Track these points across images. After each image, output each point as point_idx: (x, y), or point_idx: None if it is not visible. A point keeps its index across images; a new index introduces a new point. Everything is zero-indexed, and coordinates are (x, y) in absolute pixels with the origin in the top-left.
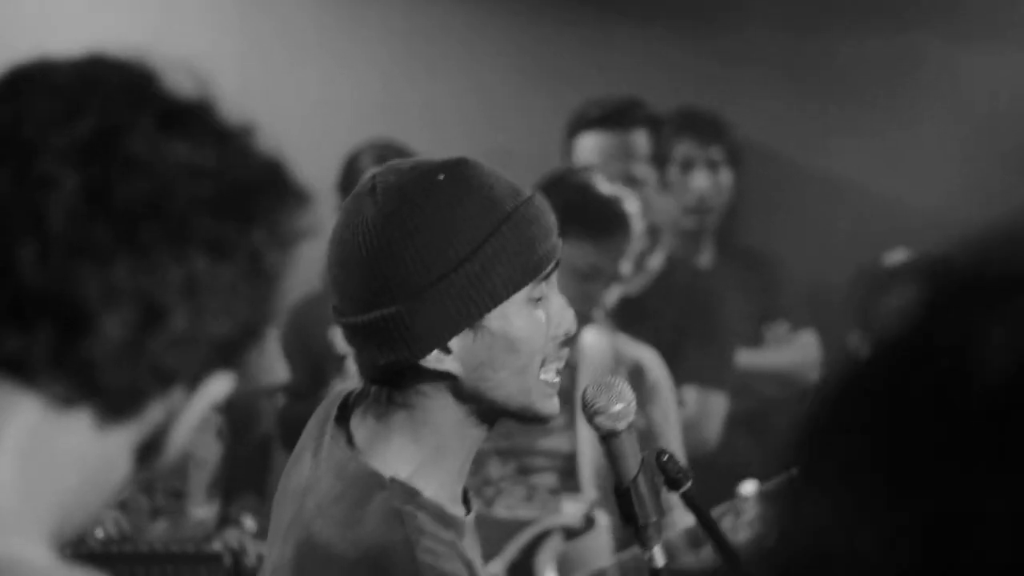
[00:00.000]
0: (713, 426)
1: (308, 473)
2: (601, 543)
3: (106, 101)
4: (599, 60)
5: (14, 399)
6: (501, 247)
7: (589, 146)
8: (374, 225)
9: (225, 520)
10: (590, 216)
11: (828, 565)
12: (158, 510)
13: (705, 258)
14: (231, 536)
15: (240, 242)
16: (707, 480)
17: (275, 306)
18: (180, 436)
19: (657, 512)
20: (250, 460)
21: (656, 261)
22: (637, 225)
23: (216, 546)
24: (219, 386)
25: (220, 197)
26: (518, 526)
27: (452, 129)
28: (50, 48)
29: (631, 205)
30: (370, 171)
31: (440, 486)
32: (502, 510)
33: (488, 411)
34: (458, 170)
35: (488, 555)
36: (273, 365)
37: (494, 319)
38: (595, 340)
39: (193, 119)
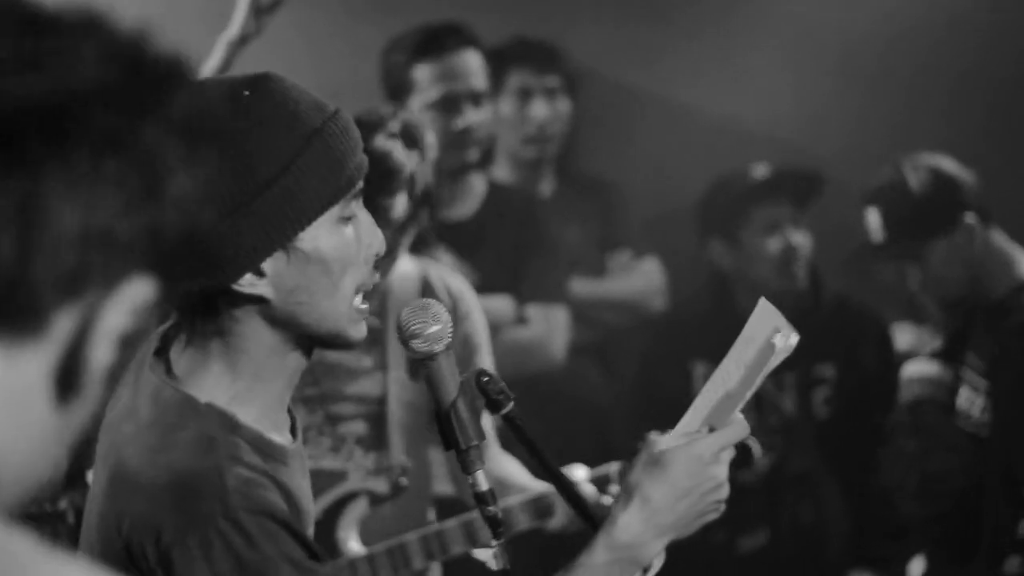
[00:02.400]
0: (558, 341)
1: (126, 403)
2: (407, 511)
3: None
4: None
5: None
6: (310, 164)
7: (424, 76)
8: (179, 144)
9: (73, 479)
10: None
11: None
12: None
13: (545, 187)
14: (77, 496)
15: (130, 136)
16: (554, 410)
17: (193, 207)
18: (101, 351)
19: (478, 435)
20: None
21: (480, 185)
22: (406, 169)
23: (62, 504)
24: (135, 292)
25: (102, 89)
26: (325, 478)
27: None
28: None
29: (397, 157)
30: None
31: (260, 413)
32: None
33: (302, 337)
34: (263, 85)
35: None
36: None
37: (306, 240)
38: (403, 267)
39: (76, 20)
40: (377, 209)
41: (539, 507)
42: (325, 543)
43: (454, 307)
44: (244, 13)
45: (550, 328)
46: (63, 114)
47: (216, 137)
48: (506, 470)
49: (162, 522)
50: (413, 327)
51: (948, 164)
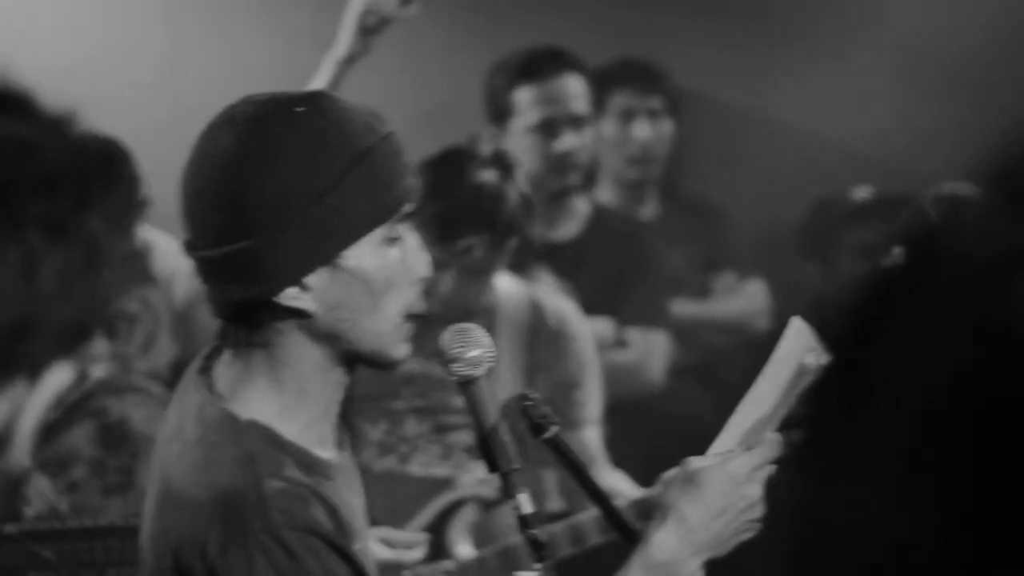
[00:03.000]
0: (657, 364)
1: (173, 423)
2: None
3: None
4: (527, 15)
5: None
6: (360, 183)
7: (525, 100)
8: (232, 157)
9: None
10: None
11: None
12: (110, 488)
13: (649, 209)
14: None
15: (75, 224)
16: (656, 430)
17: (113, 294)
18: (25, 430)
19: (520, 459)
20: None
21: (584, 207)
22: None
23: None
24: (60, 376)
25: (54, 177)
26: (433, 484)
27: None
28: None
29: (490, 184)
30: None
31: (304, 428)
32: (417, 468)
33: (344, 353)
34: (317, 102)
35: (405, 513)
36: None
37: (351, 258)
38: (511, 289)
39: (17, 103)
40: (482, 239)
41: (641, 510)
42: (435, 548)
43: (561, 329)
44: (351, 33)
45: (649, 352)
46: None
47: (266, 152)
48: (615, 485)
49: (207, 539)
50: (453, 350)
51: None
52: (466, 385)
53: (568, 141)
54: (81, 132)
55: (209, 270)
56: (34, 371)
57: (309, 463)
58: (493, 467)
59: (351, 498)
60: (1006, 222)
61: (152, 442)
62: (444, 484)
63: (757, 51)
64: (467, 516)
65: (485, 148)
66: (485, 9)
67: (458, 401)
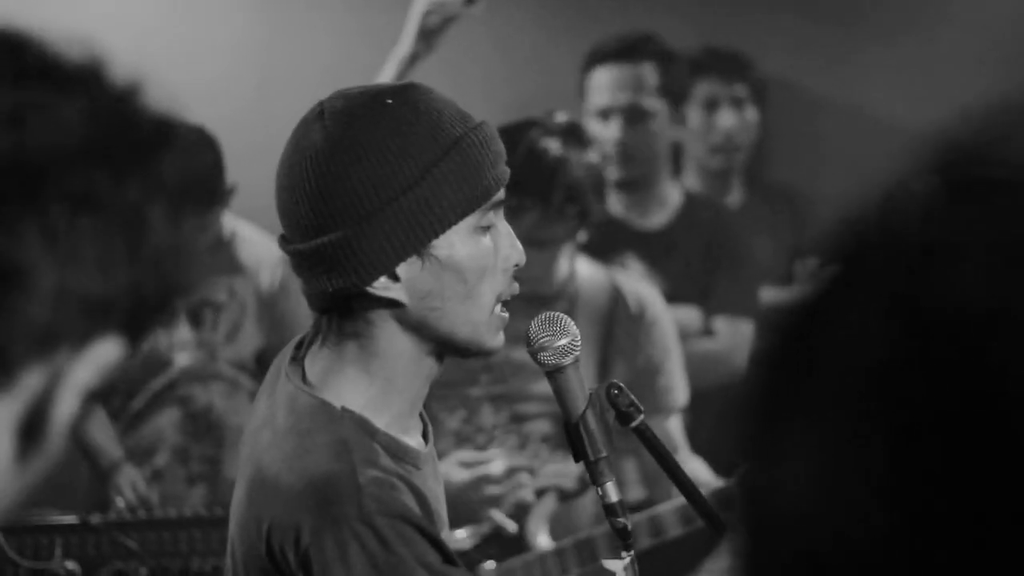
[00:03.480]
0: (744, 354)
1: (264, 411)
2: (593, 508)
3: None
4: (616, 2)
5: None
6: (449, 172)
7: (600, 80)
8: (322, 150)
9: None
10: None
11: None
12: (193, 477)
13: (734, 197)
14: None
15: (112, 194)
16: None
17: (178, 271)
18: (66, 406)
19: (607, 447)
20: None
21: (675, 195)
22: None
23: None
24: (105, 350)
25: (84, 148)
26: (512, 473)
27: (473, 86)
28: None
29: (553, 153)
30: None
31: (393, 418)
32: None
33: (436, 342)
34: (406, 94)
35: (479, 505)
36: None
37: (441, 247)
38: (592, 274)
39: (73, 70)
40: (534, 203)
41: (723, 499)
42: (515, 538)
43: (642, 314)
44: (413, 32)
45: (736, 342)
46: (41, 172)
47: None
48: (696, 473)
49: (300, 524)
50: (542, 339)
51: None
52: (554, 374)
53: (649, 126)
54: (145, 107)
55: (302, 263)
56: (74, 343)
57: (400, 452)
58: (580, 455)
59: (436, 487)
60: (943, 209)
61: (237, 431)
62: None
63: (841, 40)
64: (546, 507)
65: (558, 119)
66: (573, 2)
67: (536, 388)
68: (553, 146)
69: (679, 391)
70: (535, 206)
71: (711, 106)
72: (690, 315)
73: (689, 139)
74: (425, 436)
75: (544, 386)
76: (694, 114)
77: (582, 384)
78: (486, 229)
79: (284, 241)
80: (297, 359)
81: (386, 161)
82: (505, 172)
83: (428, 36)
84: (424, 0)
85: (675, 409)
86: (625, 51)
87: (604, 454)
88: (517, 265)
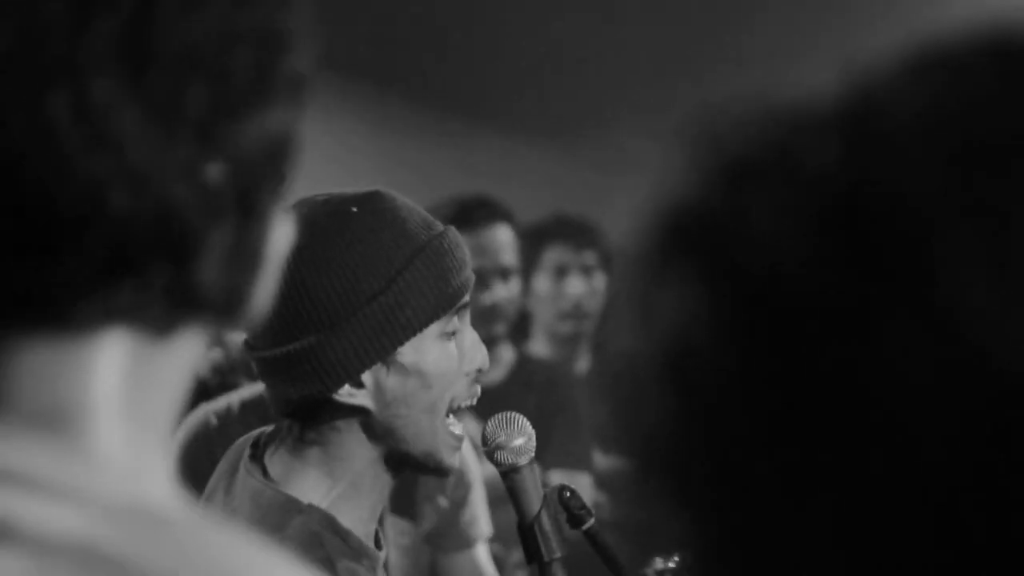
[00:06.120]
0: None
1: (222, 507)
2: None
3: None
4: (465, 170)
5: (100, 343)
6: (414, 280)
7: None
8: (288, 259)
9: None
10: None
11: None
12: None
13: (582, 364)
14: None
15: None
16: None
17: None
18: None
19: (561, 548)
20: None
21: (508, 353)
22: None
23: None
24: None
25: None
26: None
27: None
28: None
29: None
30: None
31: (355, 522)
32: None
33: (398, 451)
34: (371, 203)
35: None
36: None
37: (407, 353)
38: None
39: None
40: None
41: None
42: None
43: (461, 476)
44: None
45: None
46: None
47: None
48: None
49: None
50: (498, 439)
51: None
52: (509, 474)
53: (497, 293)
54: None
55: (267, 369)
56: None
57: (363, 552)
58: (534, 556)
59: None
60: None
61: None
62: None
63: None
64: None
65: None
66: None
67: None
68: None
69: (483, 521)
70: None
71: (560, 273)
72: None
73: (538, 305)
74: (378, 543)
75: None
76: (543, 281)
77: (537, 485)
78: (451, 335)
79: (248, 347)
80: (256, 457)
81: (352, 269)
82: (471, 277)
83: None
84: None
85: (480, 538)
86: (470, 215)
87: (558, 555)
88: (480, 370)
